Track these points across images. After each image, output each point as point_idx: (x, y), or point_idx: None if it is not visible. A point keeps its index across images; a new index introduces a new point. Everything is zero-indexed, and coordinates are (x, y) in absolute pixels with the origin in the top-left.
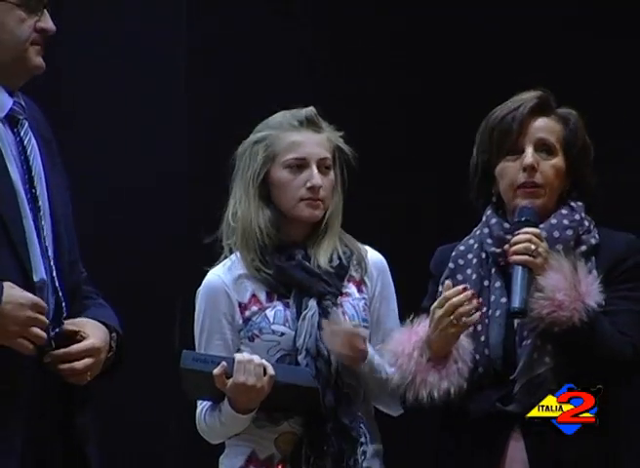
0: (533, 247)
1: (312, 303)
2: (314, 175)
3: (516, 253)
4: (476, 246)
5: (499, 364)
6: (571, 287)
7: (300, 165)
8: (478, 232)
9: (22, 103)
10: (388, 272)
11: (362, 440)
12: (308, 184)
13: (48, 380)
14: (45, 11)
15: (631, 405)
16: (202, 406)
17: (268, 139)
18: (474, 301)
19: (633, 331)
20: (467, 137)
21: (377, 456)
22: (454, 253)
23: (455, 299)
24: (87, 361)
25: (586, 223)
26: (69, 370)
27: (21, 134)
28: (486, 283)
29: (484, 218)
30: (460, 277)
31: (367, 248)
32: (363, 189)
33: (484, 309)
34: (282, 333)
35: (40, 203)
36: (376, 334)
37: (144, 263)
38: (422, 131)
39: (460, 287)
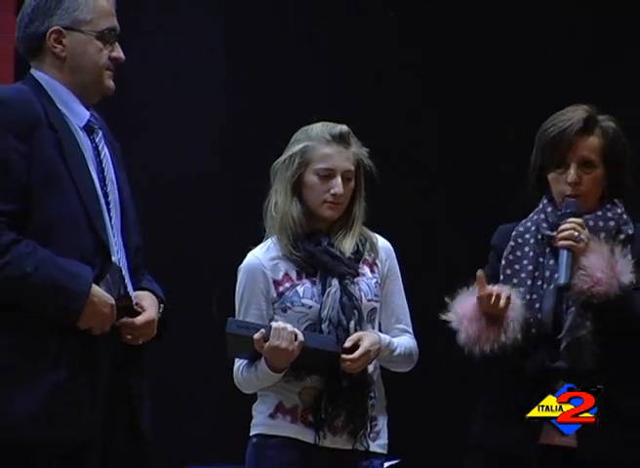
0: (576, 234)
1: (335, 282)
2: (338, 184)
3: (563, 238)
4: (533, 228)
5: (549, 327)
6: (607, 266)
7: (328, 174)
8: (535, 217)
9: (96, 115)
10: (394, 256)
11: (371, 394)
12: (332, 191)
13: (116, 342)
14: (116, 43)
15: None
16: (239, 363)
17: (305, 148)
18: (501, 301)
19: None
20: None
21: (382, 408)
22: (514, 233)
23: (484, 302)
24: (148, 331)
25: (625, 217)
26: (133, 339)
27: (96, 141)
28: (541, 259)
29: (540, 206)
30: (519, 253)
31: (377, 236)
32: (381, 190)
33: (539, 282)
34: (310, 306)
35: (110, 198)
36: (385, 308)
37: (196, 245)
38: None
39: (494, 292)
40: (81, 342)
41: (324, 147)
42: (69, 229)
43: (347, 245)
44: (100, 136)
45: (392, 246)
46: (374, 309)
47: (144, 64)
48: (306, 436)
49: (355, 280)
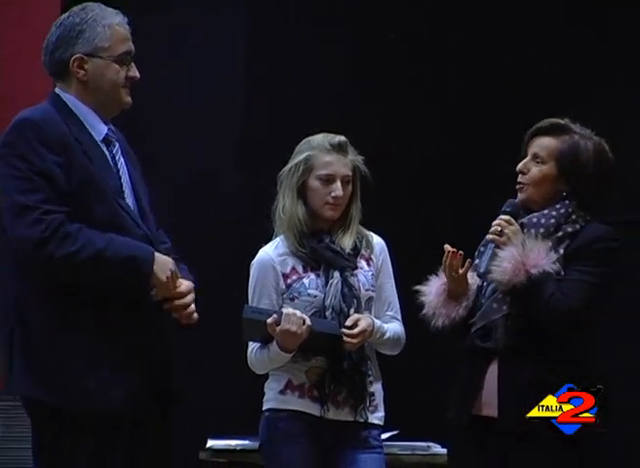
0: (499, 229)
1: (336, 274)
2: (338, 188)
3: (490, 232)
4: None
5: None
6: (517, 258)
7: (329, 179)
8: None
9: (113, 129)
10: (387, 252)
11: (369, 373)
12: (333, 194)
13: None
14: (132, 63)
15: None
16: (252, 346)
17: (309, 157)
18: (457, 256)
19: (573, 294)
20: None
21: (379, 385)
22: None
23: (445, 258)
24: (190, 298)
25: (573, 216)
26: (178, 310)
27: (113, 151)
28: (482, 249)
29: None
30: (481, 249)
31: (372, 234)
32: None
33: (476, 261)
34: (315, 296)
35: (125, 195)
36: (379, 298)
37: (215, 245)
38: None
39: (448, 248)
40: (140, 320)
41: (325, 156)
42: (113, 227)
43: (347, 242)
44: (116, 148)
45: (391, 243)
46: (370, 298)
47: (162, 67)
48: (313, 409)
49: (354, 272)
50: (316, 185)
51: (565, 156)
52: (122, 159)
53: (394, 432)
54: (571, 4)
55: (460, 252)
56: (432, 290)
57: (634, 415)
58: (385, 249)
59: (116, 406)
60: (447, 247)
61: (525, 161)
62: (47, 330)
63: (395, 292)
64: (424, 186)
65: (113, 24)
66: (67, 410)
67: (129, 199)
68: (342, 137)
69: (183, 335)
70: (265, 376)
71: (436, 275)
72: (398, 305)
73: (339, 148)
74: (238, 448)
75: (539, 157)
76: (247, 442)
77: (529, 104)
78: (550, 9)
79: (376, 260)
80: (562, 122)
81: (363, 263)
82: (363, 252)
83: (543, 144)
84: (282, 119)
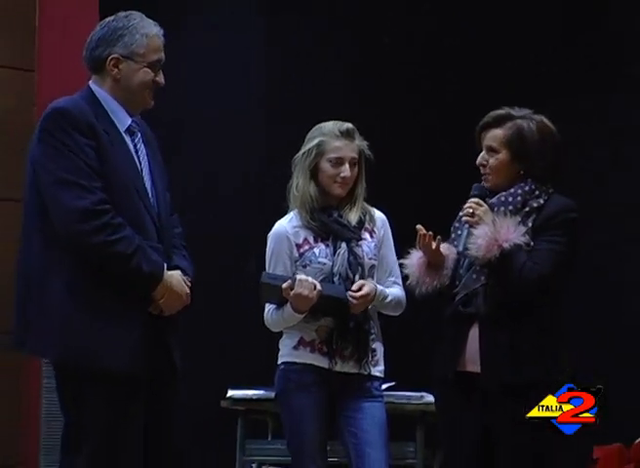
0: (470, 210)
1: (343, 245)
2: (346, 170)
3: (464, 214)
4: None
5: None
6: (489, 235)
7: (338, 162)
8: None
9: (137, 121)
10: (388, 225)
11: (372, 331)
12: (342, 175)
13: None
14: (161, 70)
15: None
16: (268, 308)
17: (320, 142)
18: (428, 237)
19: (543, 262)
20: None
21: (380, 342)
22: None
23: (418, 239)
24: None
25: (537, 192)
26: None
27: (135, 140)
28: (459, 232)
29: None
30: (456, 225)
31: (375, 209)
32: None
33: (455, 243)
34: (324, 264)
35: (145, 181)
36: (380, 267)
37: (239, 219)
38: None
39: (420, 231)
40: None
41: (335, 141)
42: (130, 212)
43: (352, 216)
44: (138, 137)
45: (392, 217)
46: (373, 266)
47: (188, 67)
48: (322, 362)
49: (359, 243)
50: (327, 167)
51: (513, 140)
52: (143, 147)
53: (391, 383)
54: (569, 7)
55: (430, 232)
56: (413, 262)
57: None
58: (387, 222)
59: (122, 367)
60: (419, 227)
61: (482, 154)
62: (64, 294)
63: (396, 259)
64: (423, 184)
65: (150, 34)
66: (80, 370)
67: (147, 184)
68: (350, 125)
69: (208, 300)
70: (279, 334)
71: (413, 248)
72: (399, 272)
73: (347, 134)
74: (255, 397)
75: (492, 148)
76: (262, 392)
77: (527, 104)
78: (549, 11)
79: (378, 233)
80: (503, 112)
81: (367, 235)
82: (367, 225)
83: (493, 136)
84: (281, 121)
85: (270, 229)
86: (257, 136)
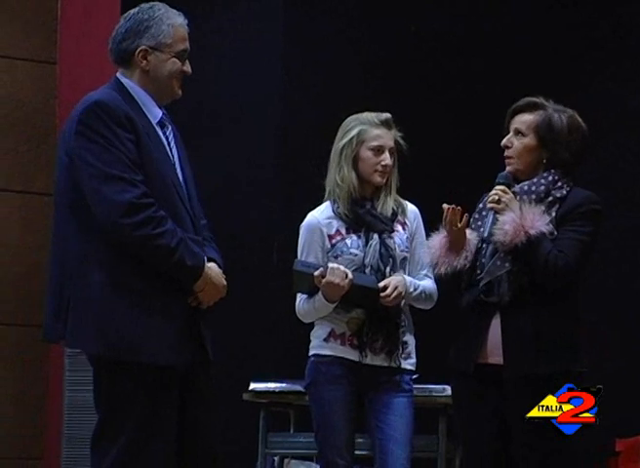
0: (497, 197)
1: (375, 236)
2: (387, 158)
3: (489, 201)
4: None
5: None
6: (516, 221)
7: (379, 150)
8: None
9: (166, 113)
10: (420, 218)
11: (402, 324)
12: (382, 163)
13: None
14: (187, 60)
15: None
16: (300, 298)
17: (361, 131)
18: (456, 212)
19: (569, 250)
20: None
21: (411, 335)
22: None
23: (445, 215)
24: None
25: (559, 183)
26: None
27: (167, 133)
28: (480, 206)
29: None
30: (484, 211)
31: (407, 202)
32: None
33: (481, 230)
34: (356, 255)
35: (178, 175)
36: (412, 259)
37: (267, 211)
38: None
39: (446, 206)
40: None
41: (375, 129)
42: (169, 205)
43: (386, 208)
44: (169, 130)
45: (421, 211)
46: (404, 258)
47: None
48: (352, 355)
49: (391, 235)
50: (368, 155)
51: (541, 127)
52: (173, 140)
53: (414, 376)
54: (574, 3)
55: (459, 207)
56: (435, 243)
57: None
58: (419, 215)
59: (162, 360)
60: (445, 205)
61: (508, 136)
62: (105, 286)
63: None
64: (448, 178)
65: (176, 24)
66: (119, 362)
67: (180, 176)
68: (388, 114)
69: (235, 289)
70: (302, 328)
71: (437, 230)
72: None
73: (386, 123)
74: (277, 390)
75: (520, 131)
76: (284, 385)
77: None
78: (556, 7)
79: (410, 225)
80: (537, 100)
81: (399, 227)
82: (399, 217)
83: (522, 120)
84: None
85: (292, 220)
86: (274, 130)
